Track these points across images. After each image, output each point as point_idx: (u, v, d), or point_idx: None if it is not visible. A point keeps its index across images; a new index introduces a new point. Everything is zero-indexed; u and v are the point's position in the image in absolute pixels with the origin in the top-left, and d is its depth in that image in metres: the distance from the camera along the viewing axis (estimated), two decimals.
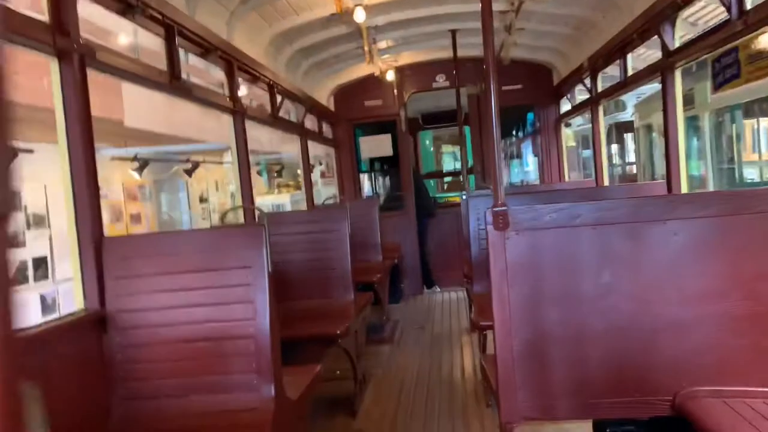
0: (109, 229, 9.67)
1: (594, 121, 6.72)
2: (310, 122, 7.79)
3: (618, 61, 5.65)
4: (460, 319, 7.40)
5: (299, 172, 12.80)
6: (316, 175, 13.45)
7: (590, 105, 6.77)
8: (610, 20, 5.54)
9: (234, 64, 4.76)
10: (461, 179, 13.17)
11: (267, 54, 5.73)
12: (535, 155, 12.26)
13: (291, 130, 6.76)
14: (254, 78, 5.35)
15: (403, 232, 8.94)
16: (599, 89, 6.57)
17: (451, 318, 7.51)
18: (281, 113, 6.14)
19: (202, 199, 13.63)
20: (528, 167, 13.31)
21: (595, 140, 6.74)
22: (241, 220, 5.03)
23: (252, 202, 4.89)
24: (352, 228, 5.76)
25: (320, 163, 11.96)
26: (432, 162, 14.01)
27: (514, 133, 13.01)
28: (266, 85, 5.73)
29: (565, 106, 8.82)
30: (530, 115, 10.91)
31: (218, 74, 4.85)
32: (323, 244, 5.00)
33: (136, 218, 10.32)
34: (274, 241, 4.89)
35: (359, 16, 5.40)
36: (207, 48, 4.32)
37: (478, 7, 2.62)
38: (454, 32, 7.26)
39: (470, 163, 9.70)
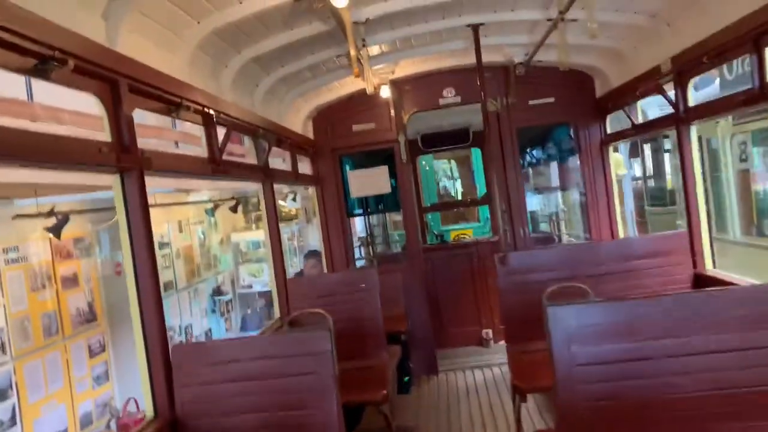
0: (29, 299, 7.62)
1: (683, 149, 4.66)
2: (279, 158, 5.73)
3: (745, 57, 3.65)
4: (497, 425, 5.29)
5: (281, 202, 10.74)
6: (295, 206, 11.32)
7: (675, 124, 4.72)
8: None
9: (120, 83, 2.68)
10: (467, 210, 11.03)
11: (195, 66, 3.65)
12: (562, 189, 9.92)
13: (248, 176, 4.66)
14: (169, 104, 3.26)
15: (409, 291, 6.77)
16: (690, 102, 4.55)
17: (485, 425, 5.38)
18: (227, 156, 4.05)
19: (163, 244, 11.51)
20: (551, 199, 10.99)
21: (687, 180, 4.65)
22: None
23: (158, 299, 2.79)
24: (339, 312, 3.83)
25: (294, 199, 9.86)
26: (434, 190, 11.80)
27: (528, 153, 10.85)
28: (199, 115, 3.65)
29: (613, 124, 6.83)
30: (559, 132, 8.85)
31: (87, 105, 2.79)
32: (292, 386, 2.88)
33: (70, 281, 8.23)
34: (196, 392, 2.81)
35: (340, 1, 3.33)
36: (45, 55, 2.24)
37: None
38: (476, 28, 5.14)
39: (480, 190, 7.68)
